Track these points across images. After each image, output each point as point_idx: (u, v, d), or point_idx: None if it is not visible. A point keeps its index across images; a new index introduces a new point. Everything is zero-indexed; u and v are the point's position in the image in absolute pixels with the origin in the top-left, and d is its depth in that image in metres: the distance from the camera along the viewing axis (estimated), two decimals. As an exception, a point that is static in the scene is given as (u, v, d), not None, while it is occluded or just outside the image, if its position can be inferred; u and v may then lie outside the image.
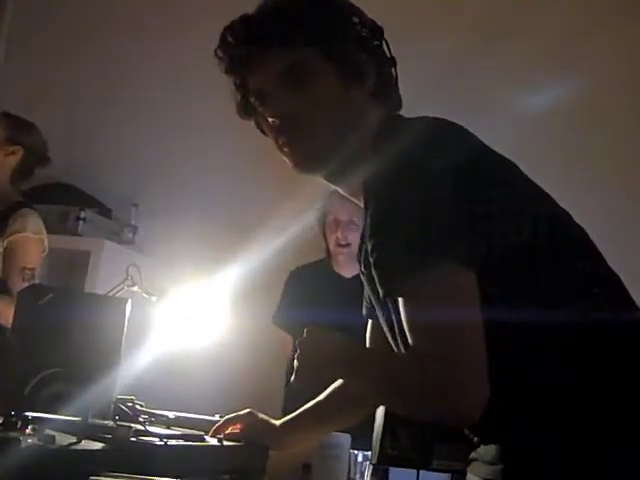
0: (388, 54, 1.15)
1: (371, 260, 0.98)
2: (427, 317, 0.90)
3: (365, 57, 1.10)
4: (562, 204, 1.06)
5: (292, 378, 1.13)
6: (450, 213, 0.93)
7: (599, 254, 1.03)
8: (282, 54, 1.08)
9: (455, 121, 1.06)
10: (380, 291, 0.97)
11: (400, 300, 0.94)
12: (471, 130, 1.06)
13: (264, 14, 1.10)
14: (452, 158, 0.97)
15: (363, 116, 1.11)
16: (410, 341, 0.92)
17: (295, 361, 1.13)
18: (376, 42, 1.13)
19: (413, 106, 1.18)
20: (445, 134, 1.03)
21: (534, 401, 0.92)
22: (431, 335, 0.90)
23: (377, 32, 1.14)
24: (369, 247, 0.98)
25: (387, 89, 1.15)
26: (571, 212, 1.06)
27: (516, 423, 0.94)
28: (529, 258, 0.96)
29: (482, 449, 0.99)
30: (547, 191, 1.07)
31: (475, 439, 1.02)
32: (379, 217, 0.97)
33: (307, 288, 2.69)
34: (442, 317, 0.89)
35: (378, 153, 1.02)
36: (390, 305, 1.02)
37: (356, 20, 1.12)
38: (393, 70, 1.16)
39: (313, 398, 1.43)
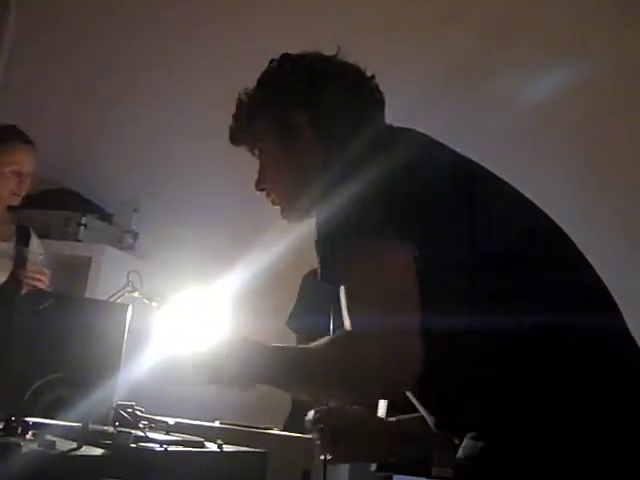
0: (354, 95, 1.19)
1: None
2: (356, 301, 0.97)
3: (298, 115, 1.19)
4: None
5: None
6: (396, 205, 0.98)
7: (581, 263, 1.05)
8: (247, 141, 1.29)
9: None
10: (319, 275, 1.03)
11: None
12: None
13: (237, 109, 1.29)
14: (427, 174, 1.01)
15: (323, 162, 1.16)
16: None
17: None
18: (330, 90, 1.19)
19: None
20: (422, 149, 1.08)
21: (502, 400, 0.95)
22: (359, 320, 0.96)
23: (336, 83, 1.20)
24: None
25: (343, 129, 1.17)
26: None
27: (485, 422, 0.96)
28: (509, 267, 0.98)
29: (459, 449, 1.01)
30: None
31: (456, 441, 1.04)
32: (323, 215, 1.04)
33: (320, 291, 2.69)
34: (370, 303, 0.95)
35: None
36: None
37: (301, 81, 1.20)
38: (362, 107, 1.19)
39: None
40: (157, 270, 2.66)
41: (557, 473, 0.90)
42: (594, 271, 1.05)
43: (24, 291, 2.38)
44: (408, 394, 1.08)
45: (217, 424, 1.66)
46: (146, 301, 2.29)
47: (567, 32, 2.82)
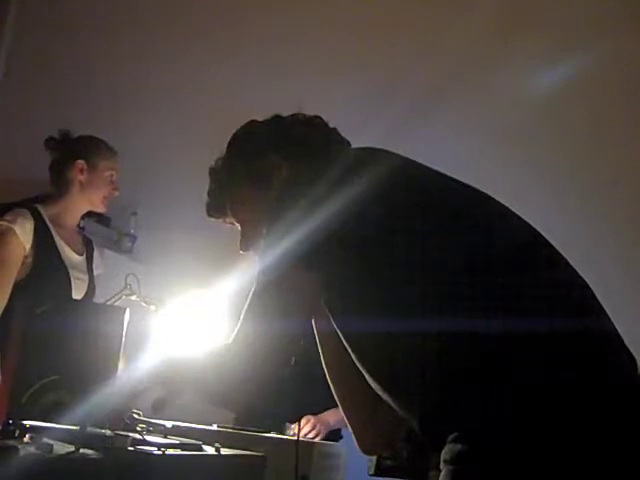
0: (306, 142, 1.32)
1: None
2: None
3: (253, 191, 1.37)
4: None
5: None
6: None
7: (559, 266, 1.06)
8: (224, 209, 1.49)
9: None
10: None
11: None
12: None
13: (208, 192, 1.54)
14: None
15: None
16: None
17: None
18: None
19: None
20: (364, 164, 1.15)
21: (474, 403, 0.96)
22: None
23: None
24: None
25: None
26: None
27: (461, 423, 0.97)
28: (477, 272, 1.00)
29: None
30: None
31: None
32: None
33: None
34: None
35: None
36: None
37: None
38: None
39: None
40: (155, 273, 2.66)
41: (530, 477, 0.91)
42: (573, 272, 1.06)
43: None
44: (390, 400, 1.08)
45: (215, 427, 1.66)
46: (144, 304, 2.29)
47: (570, 28, 2.82)
